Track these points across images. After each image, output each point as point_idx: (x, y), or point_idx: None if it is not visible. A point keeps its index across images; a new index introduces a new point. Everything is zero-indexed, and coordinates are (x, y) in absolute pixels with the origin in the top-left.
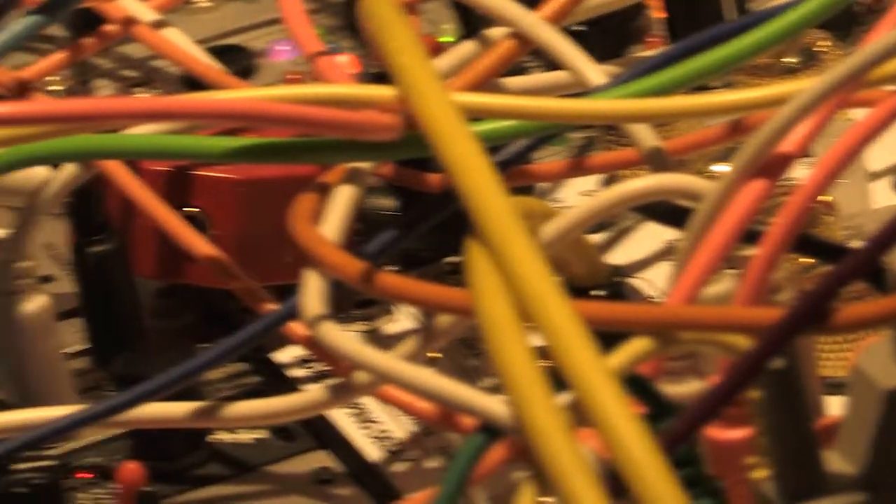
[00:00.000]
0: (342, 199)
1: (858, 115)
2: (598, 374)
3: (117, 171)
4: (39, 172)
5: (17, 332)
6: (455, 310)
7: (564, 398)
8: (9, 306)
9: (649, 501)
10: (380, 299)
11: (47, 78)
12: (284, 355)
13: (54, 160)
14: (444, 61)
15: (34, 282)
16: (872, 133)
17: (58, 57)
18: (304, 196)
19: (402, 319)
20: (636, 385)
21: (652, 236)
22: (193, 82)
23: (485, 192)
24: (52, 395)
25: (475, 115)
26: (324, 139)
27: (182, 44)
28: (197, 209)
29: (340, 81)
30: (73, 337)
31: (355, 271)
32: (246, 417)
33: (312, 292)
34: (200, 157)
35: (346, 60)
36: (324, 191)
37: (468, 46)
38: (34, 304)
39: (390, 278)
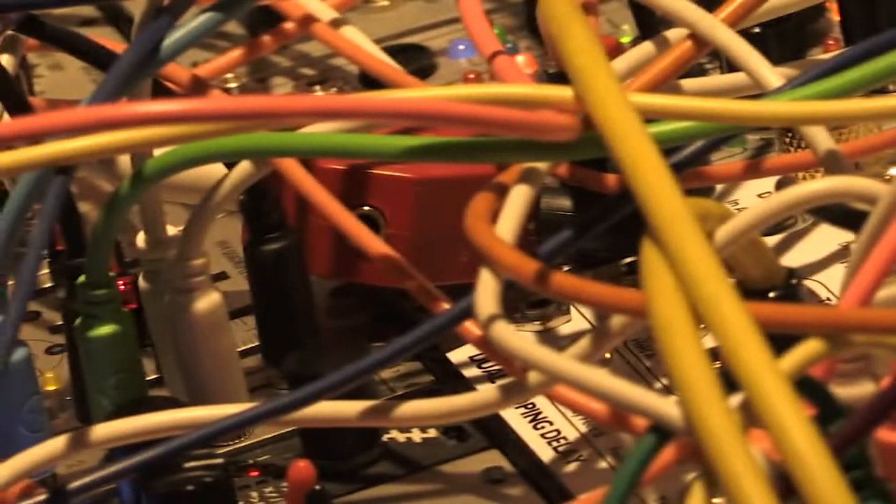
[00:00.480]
0: (518, 200)
1: None
2: (770, 375)
3: (293, 169)
4: (215, 170)
5: (190, 329)
6: (628, 311)
7: (736, 399)
8: (182, 304)
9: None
10: (555, 299)
11: (224, 76)
12: (458, 355)
13: (229, 158)
14: (622, 62)
15: (207, 279)
16: None
17: (235, 54)
18: (481, 196)
19: (577, 320)
20: (807, 387)
21: (827, 239)
22: (371, 81)
23: (660, 193)
24: (223, 393)
25: (652, 117)
26: (501, 139)
27: (360, 42)
28: (372, 208)
29: (518, 81)
30: (245, 335)
31: (530, 271)
32: (418, 417)
33: (487, 292)
34: (377, 155)
35: (523, 60)
36: (500, 191)
37: (646, 47)
38: (207, 301)
39: (565, 278)
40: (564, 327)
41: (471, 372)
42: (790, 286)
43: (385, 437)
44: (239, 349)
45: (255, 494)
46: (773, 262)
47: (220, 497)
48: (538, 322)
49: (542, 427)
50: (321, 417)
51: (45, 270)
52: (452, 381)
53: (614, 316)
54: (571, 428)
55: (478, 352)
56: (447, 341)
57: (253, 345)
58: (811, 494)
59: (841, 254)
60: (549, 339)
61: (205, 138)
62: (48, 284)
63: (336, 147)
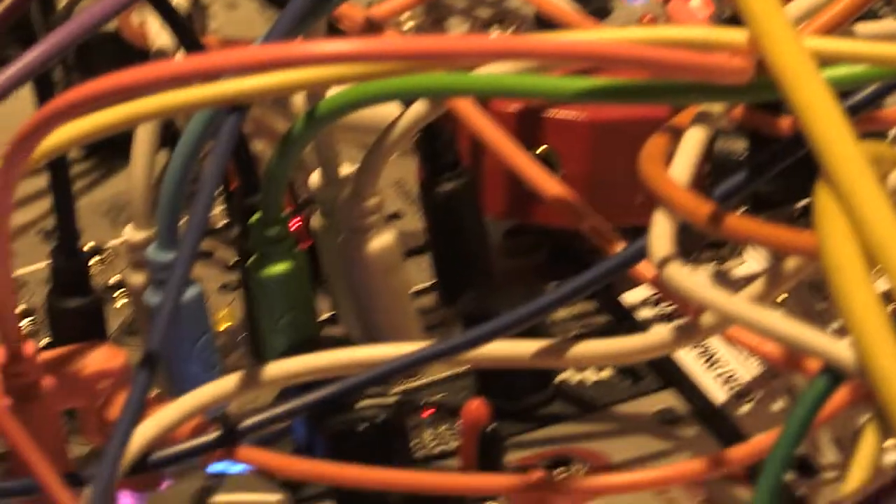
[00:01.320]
0: (692, 142)
1: None
2: None
3: (468, 109)
4: (390, 109)
5: (365, 268)
6: (802, 252)
7: None
8: (357, 243)
9: None
10: (728, 241)
11: (399, 17)
12: (633, 296)
13: (404, 97)
14: (797, 6)
15: (382, 219)
16: None
17: None
18: (655, 138)
19: (750, 262)
20: None
21: None
22: (546, 23)
23: (834, 136)
24: (398, 332)
25: (826, 60)
26: (675, 81)
27: None
28: (547, 149)
29: (692, 24)
30: (420, 274)
31: (704, 213)
32: (593, 357)
33: (661, 233)
34: (552, 96)
35: (698, 3)
36: (674, 133)
37: None
38: (382, 241)
39: (738, 220)
40: (738, 269)
41: (645, 313)
42: None
43: (559, 378)
44: (414, 289)
45: (429, 433)
46: None
47: (392, 436)
48: (712, 263)
49: (716, 368)
50: (495, 357)
51: (220, 208)
52: (626, 321)
53: (788, 258)
54: (745, 369)
55: (652, 293)
56: (622, 282)
57: (428, 284)
58: None
59: None
60: (723, 280)
61: (379, 78)
62: (223, 223)
63: (511, 87)
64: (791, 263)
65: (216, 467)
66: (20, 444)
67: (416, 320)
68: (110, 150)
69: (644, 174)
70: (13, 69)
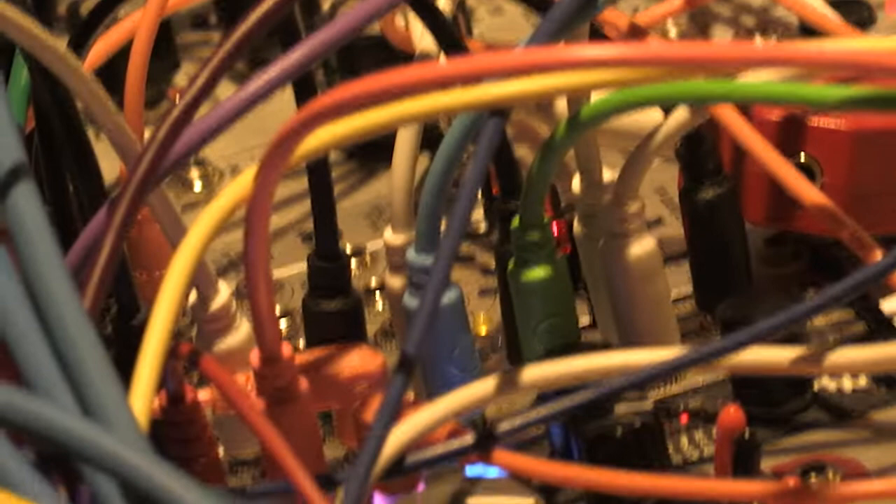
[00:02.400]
0: None
1: None
2: None
3: (730, 116)
4: (652, 115)
5: (624, 274)
6: None
7: None
8: (617, 249)
9: None
10: None
11: (663, 24)
12: (892, 304)
13: (667, 103)
14: None
15: (643, 225)
16: None
17: (676, 2)
18: None
19: None
20: None
21: None
22: (810, 32)
23: None
24: (656, 337)
25: None
26: None
27: None
28: (808, 157)
29: None
30: (679, 281)
31: None
32: (850, 364)
33: None
34: (816, 105)
35: None
36: None
37: None
38: (643, 246)
39: None
40: None
41: None
42: None
43: (815, 386)
44: (673, 295)
45: (684, 439)
46: None
47: (649, 441)
48: None
49: None
50: (752, 364)
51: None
52: (885, 329)
53: None
54: None
55: None
56: (881, 290)
57: (687, 291)
58: None
59: None
60: None
61: (642, 83)
62: (483, 227)
63: (775, 95)
64: None
65: (472, 471)
66: (274, 446)
67: (674, 326)
68: (371, 152)
69: None
70: (274, 70)
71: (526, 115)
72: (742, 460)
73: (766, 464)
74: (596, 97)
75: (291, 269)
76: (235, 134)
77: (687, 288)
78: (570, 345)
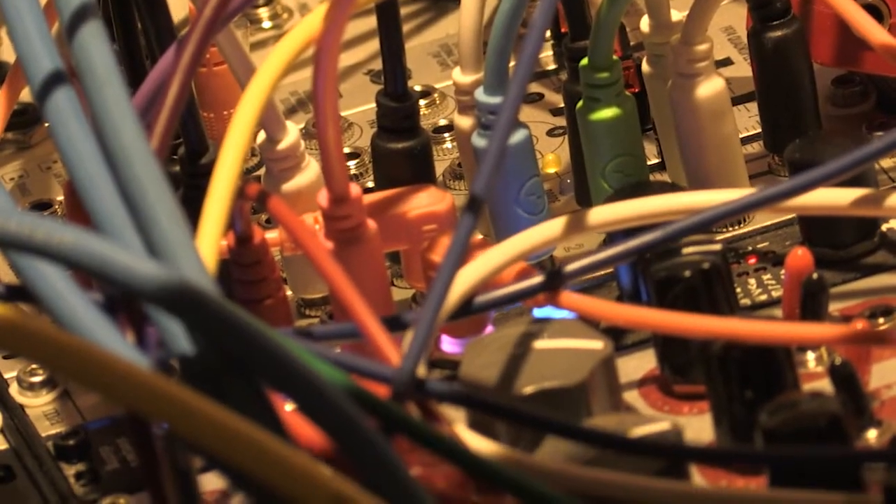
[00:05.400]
0: None
1: None
2: None
3: None
4: None
5: (693, 114)
6: None
7: None
8: (685, 88)
9: None
10: None
11: None
12: None
13: None
14: None
15: (711, 65)
16: None
17: None
18: None
19: None
20: None
21: None
22: None
23: None
24: (724, 178)
25: None
26: None
27: None
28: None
29: None
30: (748, 122)
31: None
32: None
33: None
34: None
35: None
36: None
37: None
38: (711, 86)
39: None
40: None
41: None
42: None
43: (884, 227)
44: (741, 135)
45: (752, 281)
46: None
47: (717, 283)
48: None
49: None
50: (819, 205)
51: (549, 53)
52: None
53: None
54: None
55: None
56: None
57: (756, 132)
58: None
59: None
60: None
61: None
62: (552, 67)
63: None
64: None
65: (540, 312)
66: (341, 288)
67: (743, 167)
68: None
69: None
70: None
71: None
72: (810, 303)
73: (834, 307)
74: None
75: (361, 108)
76: None
77: (756, 129)
78: (638, 185)
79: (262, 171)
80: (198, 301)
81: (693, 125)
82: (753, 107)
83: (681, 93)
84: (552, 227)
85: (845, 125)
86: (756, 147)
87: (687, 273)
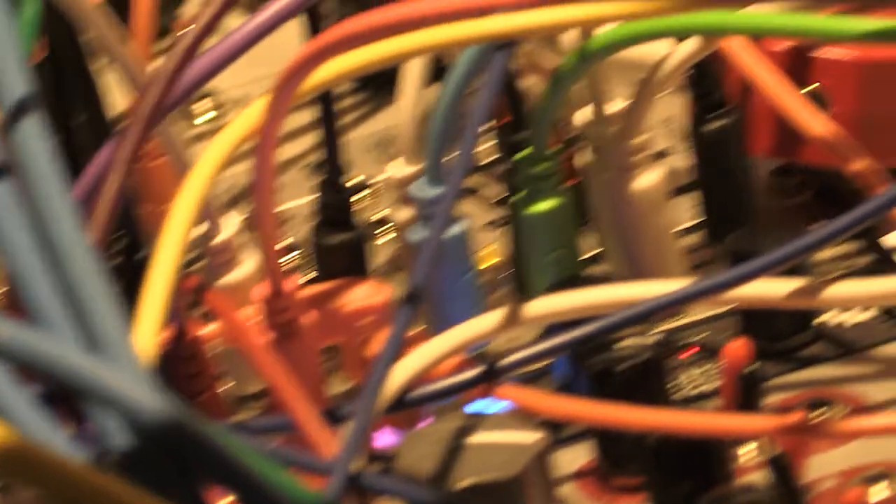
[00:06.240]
0: None
1: None
2: None
3: (737, 48)
4: (659, 47)
5: (630, 206)
6: None
7: None
8: (623, 181)
9: None
10: None
11: None
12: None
13: (677, 35)
14: None
15: (649, 157)
16: None
17: None
18: None
19: None
20: None
21: None
22: None
23: None
24: (661, 270)
25: None
26: None
27: None
28: (817, 88)
29: None
30: (688, 213)
31: None
32: (854, 297)
33: None
34: (825, 37)
35: None
36: None
37: None
38: (648, 179)
39: None
40: None
41: None
42: None
43: (821, 319)
44: (681, 227)
45: (691, 373)
46: None
47: (653, 376)
48: None
49: None
50: (757, 297)
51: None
52: (889, 263)
53: None
54: None
55: None
56: (887, 223)
57: (696, 222)
58: None
59: None
60: None
61: (652, 16)
62: (491, 159)
63: (787, 28)
64: None
65: (475, 406)
66: (278, 382)
67: (680, 259)
68: (381, 84)
69: None
70: (282, 2)
71: (532, 46)
72: (747, 395)
73: (772, 399)
74: (604, 29)
75: (299, 201)
76: (246, 64)
77: (696, 220)
78: (576, 278)
79: (202, 265)
80: (133, 397)
81: (630, 217)
82: (694, 197)
83: (618, 185)
84: (490, 320)
85: (784, 216)
86: (697, 238)
87: (624, 366)
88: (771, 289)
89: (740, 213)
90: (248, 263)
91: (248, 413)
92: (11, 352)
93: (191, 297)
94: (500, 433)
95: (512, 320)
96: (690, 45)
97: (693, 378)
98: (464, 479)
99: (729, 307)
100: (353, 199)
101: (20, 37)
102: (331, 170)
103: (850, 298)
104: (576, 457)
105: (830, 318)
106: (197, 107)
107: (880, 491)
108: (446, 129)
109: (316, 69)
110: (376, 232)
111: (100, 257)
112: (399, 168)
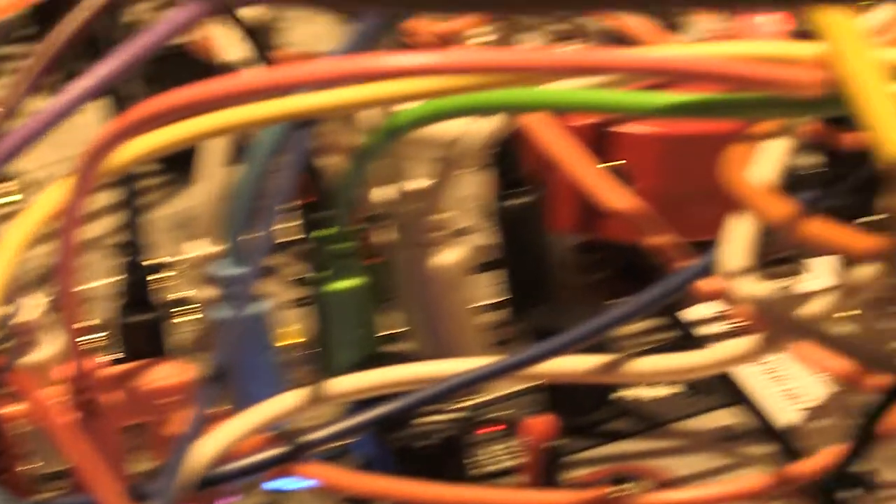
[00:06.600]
0: (771, 152)
1: None
2: None
3: (538, 124)
4: (460, 124)
5: (430, 284)
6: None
7: None
8: (423, 258)
9: None
10: (791, 258)
11: (470, 32)
12: (699, 311)
13: (480, 113)
14: (872, 19)
15: (449, 234)
16: None
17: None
18: (736, 145)
19: (812, 281)
20: None
21: None
22: (618, 38)
23: None
24: (463, 347)
25: None
26: (749, 96)
27: None
28: (619, 164)
29: (766, 38)
30: (493, 289)
31: (784, 214)
32: (651, 373)
33: (734, 243)
34: (627, 112)
35: (770, 19)
36: (753, 143)
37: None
38: (446, 256)
39: (822, 226)
40: (799, 287)
41: (709, 329)
42: None
43: (626, 393)
44: (486, 303)
45: (496, 448)
46: None
47: (456, 452)
48: (774, 279)
49: (781, 384)
50: (560, 373)
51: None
52: (692, 337)
53: (853, 273)
54: (810, 386)
55: (718, 309)
56: (689, 297)
57: (500, 299)
58: None
59: None
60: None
61: (453, 94)
62: (293, 238)
63: (589, 102)
64: (859, 277)
65: (275, 484)
66: (82, 460)
67: (480, 336)
68: (182, 164)
69: (726, 179)
70: (83, 83)
71: (331, 124)
72: (549, 470)
73: (575, 474)
74: (404, 106)
75: (102, 281)
76: (51, 145)
77: (501, 296)
78: (380, 355)
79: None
80: None
81: (432, 294)
82: (498, 274)
83: (418, 262)
84: (293, 398)
85: (587, 292)
86: (501, 314)
87: (426, 442)
88: (573, 364)
89: (543, 289)
90: (51, 343)
91: (55, 492)
92: None
93: None
94: None
95: (315, 398)
96: (492, 121)
97: (496, 454)
98: None
99: (533, 383)
100: (155, 278)
101: None
102: (133, 250)
103: (651, 373)
104: None
105: (629, 392)
106: (1, 188)
107: None
108: (248, 208)
109: (118, 149)
110: (178, 311)
111: None
112: (201, 247)
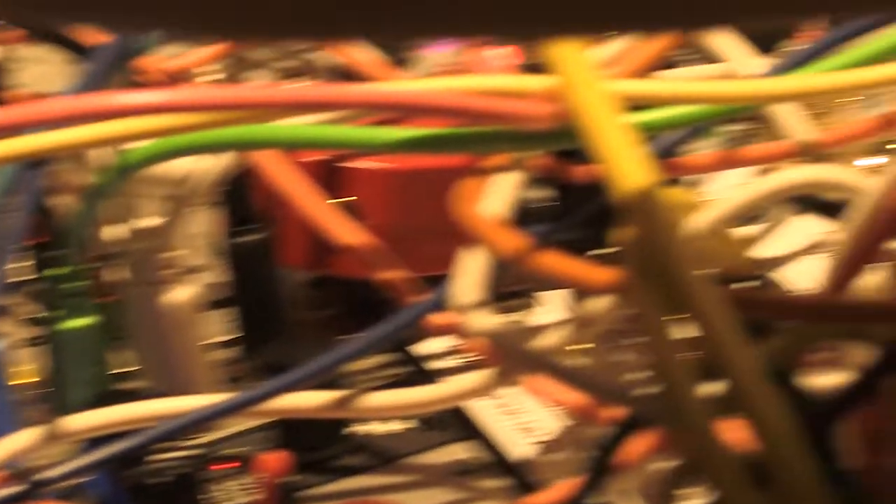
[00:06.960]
0: (502, 185)
1: None
2: (749, 364)
3: (268, 161)
4: (185, 162)
5: (160, 321)
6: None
7: (713, 388)
8: (152, 296)
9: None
10: (523, 292)
11: (200, 69)
12: (431, 345)
13: (211, 150)
14: (606, 50)
15: (179, 272)
16: None
17: (212, 47)
18: (466, 180)
19: (544, 314)
20: (779, 377)
21: (795, 232)
22: (347, 74)
23: (632, 181)
24: (193, 384)
25: (638, 102)
26: (479, 129)
27: None
28: (350, 199)
29: (496, 72)
30: (225, 326)
31: (516, 247)
32: (384, 408)
33: (466, 277)
34: (357, 147)
35: (508, 51)
36: (484, 177)
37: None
38: (177, 294)
39: (551, 256)
40: (532, 320)
41: (442, 363)
42: (756, 277)
43: (360, 429)
44: (220, 340)
45: (230, 485)
46: (741, 253)
47: (189, 489)
48: (507, 313)
49: (515, 418)
50: (288, 408)
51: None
52: (425, 372)
53: (586, 307)
54: (544, 419)
55: (450, 343)
56: (422, 332)
57: (233, 335)
58: (788, 482)
59: (810, 247)
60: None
61: (184, 131)
62: (26, 278)
63: (316, 139)
64: (591, 310)
65: None
66: None
67: (213, 373)
68: None
69: (457, 213)
70: None
71: (59, 163)
72: None
73: None
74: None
75: None
76: None
77: (233, 333)
78: (113, 393)
79: None
80: None
81: (163, 331)
82: (230, 311)
83: (148, 300)
84: (27, 436)
85: (318, 328)
86: (233, 351)
87: (158, 479)
88: (306, 400)
89: (275, 326)
90: None
91: None
92: None
93: None
94: None
95: (50, 436)
96: (221, 159)
97: (230, 490)
98: None
99: (267, 419)
100: None
101: None
102: None
103: (384, 408)
104: None
105: (362, 427)
106: None
107: None
108: None
109: None
110: None
111: None
112: None
